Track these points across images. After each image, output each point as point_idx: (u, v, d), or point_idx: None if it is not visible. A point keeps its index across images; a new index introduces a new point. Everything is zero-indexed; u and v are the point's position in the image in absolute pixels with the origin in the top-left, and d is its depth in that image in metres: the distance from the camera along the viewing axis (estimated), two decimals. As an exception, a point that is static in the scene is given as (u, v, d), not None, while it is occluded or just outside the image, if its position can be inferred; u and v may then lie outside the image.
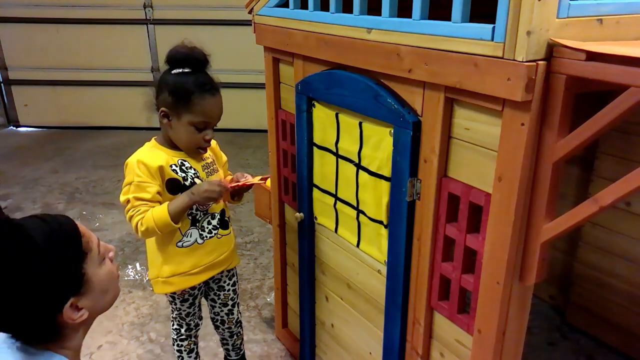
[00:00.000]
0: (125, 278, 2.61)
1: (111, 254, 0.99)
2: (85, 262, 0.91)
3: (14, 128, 5.27)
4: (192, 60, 1.44)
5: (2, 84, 5.20)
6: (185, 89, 1.42)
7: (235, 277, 1.76)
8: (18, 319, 0.86)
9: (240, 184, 1.58)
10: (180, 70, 1.44)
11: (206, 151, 1.56)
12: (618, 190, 0.86)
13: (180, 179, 1.48)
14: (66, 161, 4.32)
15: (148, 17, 4.86)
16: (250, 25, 1.73)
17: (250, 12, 1.72)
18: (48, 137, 4.97)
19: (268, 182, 1.89)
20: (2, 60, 5.10)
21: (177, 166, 1.49)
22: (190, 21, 4.76)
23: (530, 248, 1.03)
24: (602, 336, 2.09)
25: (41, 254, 0.84)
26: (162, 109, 1.46)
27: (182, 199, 1.45)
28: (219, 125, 1.52)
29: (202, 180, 1.52)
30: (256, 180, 1.64)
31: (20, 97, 5.22)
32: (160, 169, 1.45)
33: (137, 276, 2.65)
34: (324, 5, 1.39)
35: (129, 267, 2.72)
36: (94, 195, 3.65)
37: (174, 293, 1.62)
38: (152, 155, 1.47)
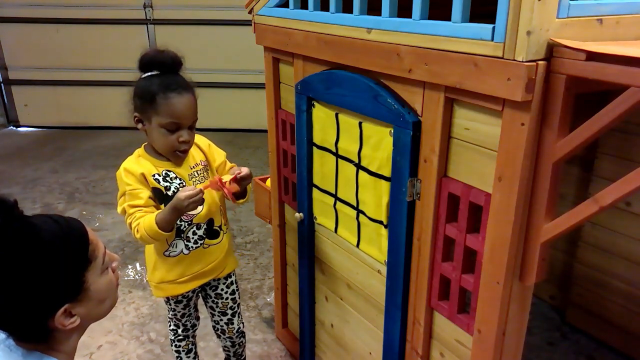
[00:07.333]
0: (125, 278, 2.61)
1: (114, 264, 0.98)
2: (88, 270, 0.90)
3: (14, 128, 5.26)
4: (159, 63, 1.43)
5: (2, 84, 5.20)
6: (149, 90, 1.40)
7: (235, 285, 1.72)
8: (9, 316, 0.85)
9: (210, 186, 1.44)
10: (149, 74, 1.43)
11: (186, 153, 1.50)
12: (618, 190, 0.86)
13: (162, 189, 1.46)
14: (66, 161, 4.32)
15: (148, 17, 4.85)
16: (250, 25, 1.73)
17: (250, 12, 1.72)
18: (48, 137, 4.97)
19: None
20: (2, 60, 5.10)
21: (160, 175, 1.47)
22: (190, 21, 4.75)
23: (530, 248, 1.03)
24: (602, 336, 2.09)
25: (45, 254, 0.84)
26: (135, 114, 1.45)
27: (167, 210, 1.41)
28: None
29: None
30: (228, 181, 1.45)
31: (20, 97, 5.22)
32: (142, 175, 1.44)
33: (137, 276, 2.64)
34: (324, 5, 1.38)
35: (129, 267, 2.71)
36: (93, 195, 3.65)
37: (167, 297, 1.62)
38: (136, 163, 1.47)
